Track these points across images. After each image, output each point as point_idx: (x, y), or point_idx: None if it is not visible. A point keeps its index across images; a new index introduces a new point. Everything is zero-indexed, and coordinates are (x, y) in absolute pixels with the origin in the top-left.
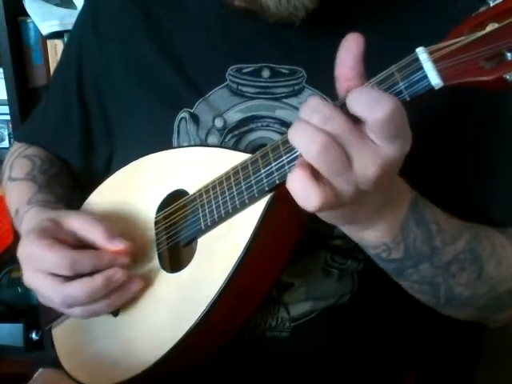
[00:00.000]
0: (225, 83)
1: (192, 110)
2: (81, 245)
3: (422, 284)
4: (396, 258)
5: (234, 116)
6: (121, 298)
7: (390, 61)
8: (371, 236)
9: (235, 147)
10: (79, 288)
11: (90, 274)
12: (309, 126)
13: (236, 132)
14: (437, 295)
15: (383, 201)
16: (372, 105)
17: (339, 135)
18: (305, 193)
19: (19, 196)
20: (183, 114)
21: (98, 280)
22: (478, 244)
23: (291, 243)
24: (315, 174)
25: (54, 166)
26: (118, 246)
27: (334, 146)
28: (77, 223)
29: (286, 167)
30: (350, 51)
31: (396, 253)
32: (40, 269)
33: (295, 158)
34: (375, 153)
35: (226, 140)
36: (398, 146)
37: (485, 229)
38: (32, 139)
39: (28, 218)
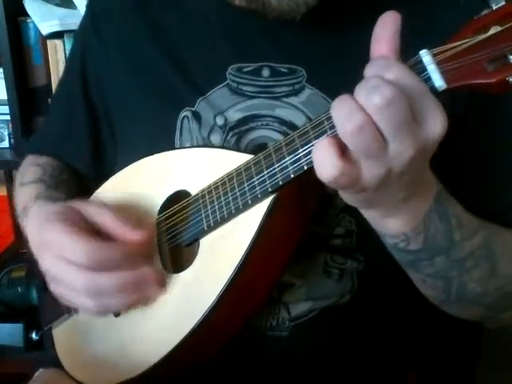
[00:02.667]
0: (225, 82)
1: (193, 109)
2: (96, 231)
3: (436, 278)
4: (414, 249)
5: (234, 115)
6: (137, 299)
7: None
8: (392, 224)
9: (237, 147)
10: (110, 280)
11: None
12: (353, 103)
13: (236, 130)
14: (448, 290)
15: (410, 189)
16: (383, 66)
17: (395, 111)
18: (322, 160)
19: (28, 195)
20: (185, 112)
21: (130, 277)
22: (492, 241)
23: (293, 243)
24: (342, 149)
25: (63, 172)
26: (138, 235)
27: (371, 128)
28: (97, 213)
29: (290, 168)
30: (386, 27)
31: (414, 244)
32: (63, 256)
33: (298, 159)
34: (415, 134)
35: (228, 138)
36: (434, 124)
37: (497, 227)
38: (40, 150)
39: (34, 210)
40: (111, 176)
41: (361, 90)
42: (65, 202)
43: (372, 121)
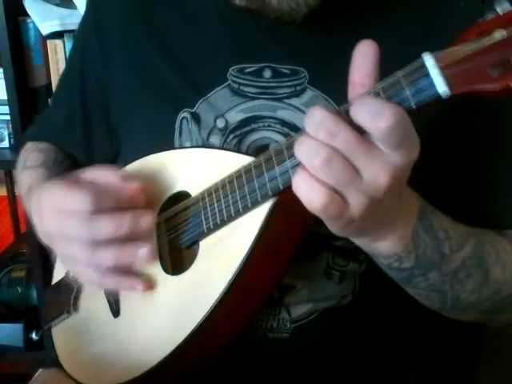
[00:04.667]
0: (226, 83)
1: (193, 110)
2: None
3: (430, 291)
4: (407, 267)
5: (235, 116)
6: (128, 256)
7: (391, 62)
8: (383, 247)
9: (238, 149)
10: (107, 220)
11: None
12: (313, 141)
13: (238, 132)
14: (443, 301)
15: (394, 211)
16: (375, 115)
17: (345, 149)
18: (309, 190)
19: (32, 178)
20: (184, 113)
21: (126, 216)
22: (482, 249)
23: (293, 246)
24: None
25: (66, 160)
26: (132, 184)
27: (338, 158)
28: (92, 171)
29: (290, 172)
30: (367, 58)
31: (407, 262)
32: (62, 208)
33: (299, 164)
34: (383, 161)
35: (228, 140)
36: (405, 154)
37: (487, 233)
38: (42, 137)
39: (37, 191)
40: None
41: (313, 129)
42: None
43: (337, 151)
